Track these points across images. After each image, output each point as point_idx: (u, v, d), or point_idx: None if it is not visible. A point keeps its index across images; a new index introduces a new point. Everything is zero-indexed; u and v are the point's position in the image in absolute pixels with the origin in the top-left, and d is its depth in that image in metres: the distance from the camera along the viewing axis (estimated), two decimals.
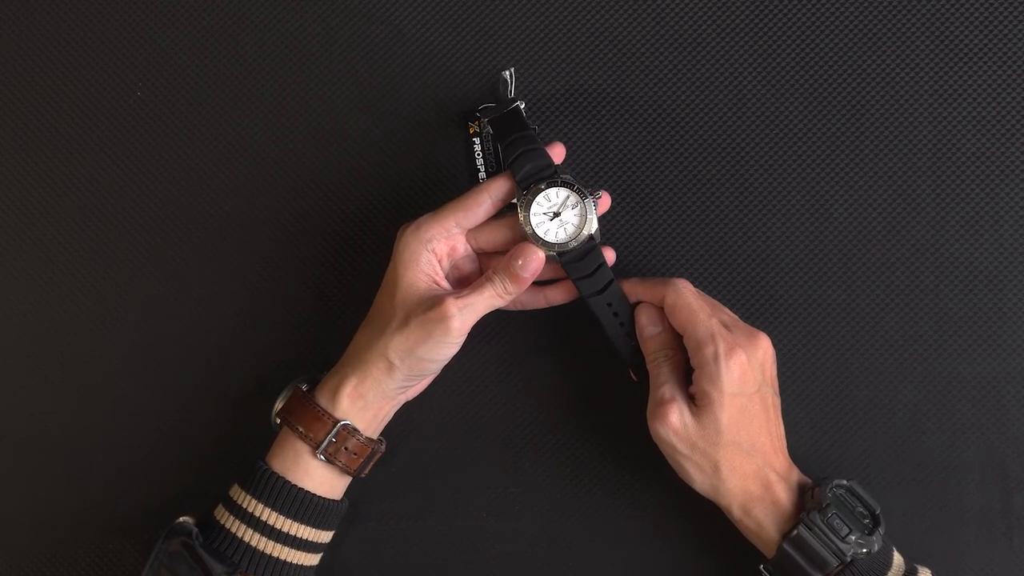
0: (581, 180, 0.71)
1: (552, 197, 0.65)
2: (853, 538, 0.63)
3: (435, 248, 0.65)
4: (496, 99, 0.73)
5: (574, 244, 0.65)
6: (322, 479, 0.66)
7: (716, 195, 0.73)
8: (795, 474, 0.66)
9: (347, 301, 0.73)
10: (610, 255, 0.68)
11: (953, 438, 0.72)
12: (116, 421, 0.74)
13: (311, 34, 0.74)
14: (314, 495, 0.65)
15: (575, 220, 0.65)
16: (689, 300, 0.65)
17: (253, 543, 0.64)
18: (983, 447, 0.72)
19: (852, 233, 0.72)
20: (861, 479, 0.67)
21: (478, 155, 0.72)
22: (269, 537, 0.64)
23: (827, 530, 0.62)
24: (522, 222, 0.65)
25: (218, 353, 0.74)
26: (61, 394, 0.74)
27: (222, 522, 0.65)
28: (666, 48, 0.73)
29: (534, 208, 0.65)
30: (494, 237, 0.67)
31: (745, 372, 0.64)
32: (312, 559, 0.67)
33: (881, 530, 0.64)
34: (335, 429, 0.65)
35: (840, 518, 0.63)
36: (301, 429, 0.65)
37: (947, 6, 0.72)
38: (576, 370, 0.73)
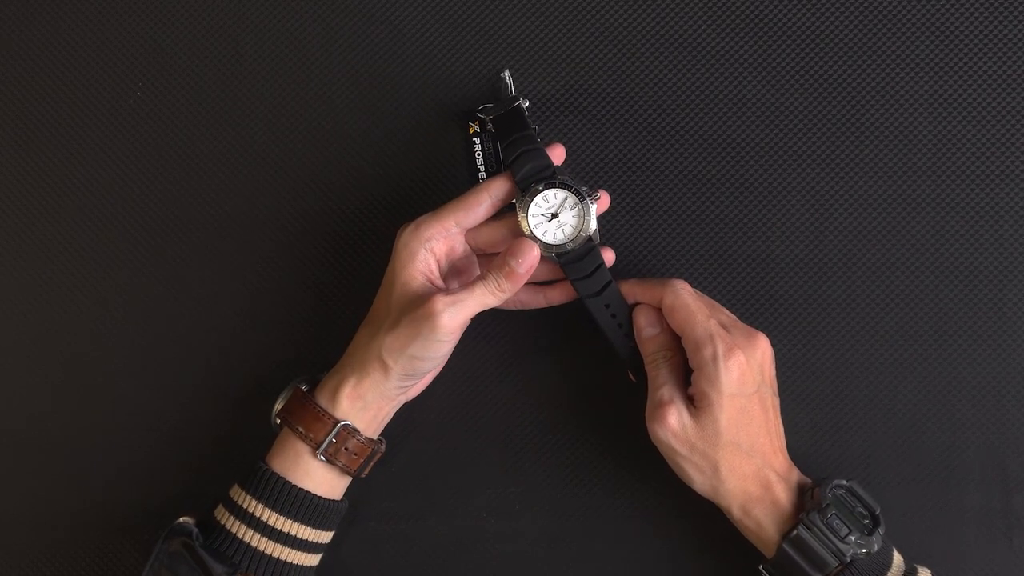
0: (581, 180, 0.71)
1: (550, 198, 0.65)
2: (853, 538, 0.63)
3: (434, 247, 0.65)
4: (498, 98, 0.73)
5: (572, 245, 0.65)
6: (322, 479, 0.66)
7: (716, 195, 0.73)
8: (795, 474, 0.66)
9: (347, 301, 0.73)
10: (609, 255, 0.68)
11: (953, 438, 0.72)
12: (116, 421, 0.74)
13: (311, 34, 0.74)
14: (314, 495, 0.65)
15: (573, 221, 0.65)
16: (687, 301, 0.65)
17: (253, 543, 0.64)
18: (983, 447, 0.72)
19: (852, 233, 0.72)
20: (861, 479, 0.67)
21: (478, 155, 0.72)
22: (269, 537, 0.64)
23: (826, 530, 0.62)
24: (520, 222, 0.65)
25: (218, 353, 0.74)
26: (61, 394, 0.74)
27: (222, 522, 0.65)
28: (666, 48, 0.73)
29: (532, 209, 0.65)
30: (493, 237, 0.67)
31: (744, 373, 0.64)
32: (312, 559, 0.67)
33: (881, 530, 0.64)
34: (335, 429, 0.65)
35: (840, 518, 0.63)
36: (301, 429, 0.65)
37: (947, 6, 0.72)
38: (576, 370, 0.73)
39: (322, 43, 0.74)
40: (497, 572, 0.73)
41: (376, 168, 0.74)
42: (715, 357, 0.63)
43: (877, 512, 0.65)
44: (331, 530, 0.68)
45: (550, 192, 0.65)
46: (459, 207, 0.65)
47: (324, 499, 0.66)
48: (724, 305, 0.69)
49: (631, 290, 0.68)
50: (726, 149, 0.73)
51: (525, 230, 0.65)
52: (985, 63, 0.72)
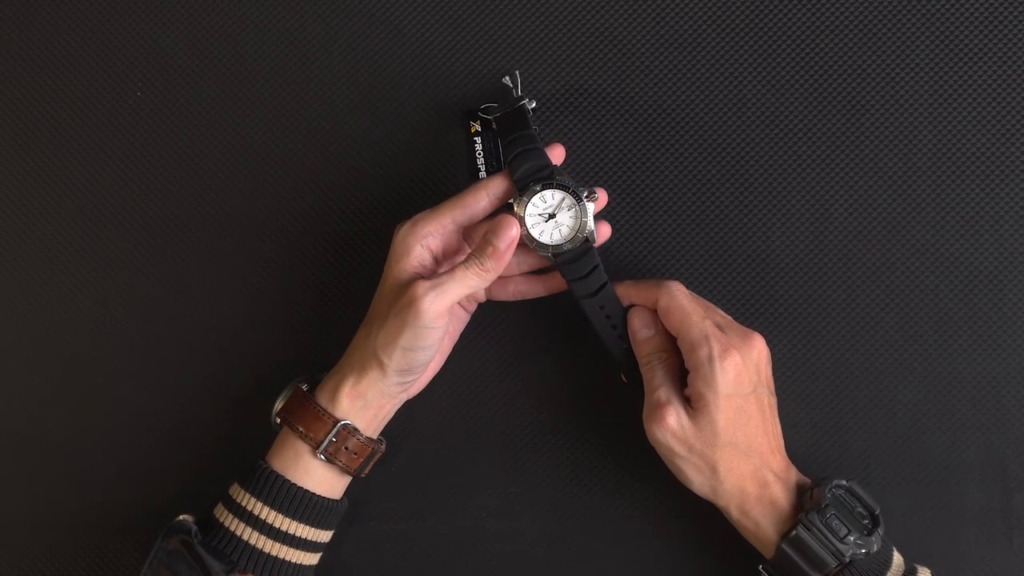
0: (580, 180, 0.71)
1: (548, 199, 0.65)
2: (852, 539, 0.63)
3: (430, 244, 0.65)
4: (501, 98, 0.73)
5: (569, 246, 0.65)
6: (322, 478, 0.66)
7: (716, 195, 0.73)
8: (793, 474, 0.66)
9: (347, 301, 0.73)
10: (605, 230, 0.67)
11: (953, 438, 0.72)
12: (116, 421, 0.74)
13: (311, 34, 0.74)
14: (314, 494, 0.66)
15: (570, 222, 0.65)
16: (682, 302, 0.65)
17: (252, 542, 0.64)
18: (983, 447, 0.71)
19: (852, 233, 0.72)
20: (861, 479, 0.67)
21: (479, 154, 0.72)
22: (268, 536, 0.64)
23: (826, 531, 0.62)
24: (518, 223, 0.65)
25: (218, 353, 0.74)
26: (61, 394, 0.74)
27: (221, 521, 0.65)
28: (666, 48, 0.73)
29: (529, 209, 0.65)
30: None
31: (740, 373, 0.63)
32: (311, 558, 0.67)
33: (880, 531, 0.64)
34: (335, 429, 0.65)
35: (839, 519, 0.63)
36: (301, 429, 0.65)
37: (947, 6, 0.72)
38: (576, 370, 0.73)
39: (322, 43, 0.74)
40: (497, 572, 0.73)
41: (376, 168, 0.74)
42: (711, 358, 0.63)
43: (877, 512, 0.65)
44: (330, 529, 0.68)
45: (547, 193, 0.65)
46: (456, 205, 0.65)
47: (324, 498, 0.66)
48: (723, 306, 0.69)
49: (626, 292, 0.67)
50: (726, 149, 0.73)
51: (522, 230, 0.65)
52: (985, 63, 0.72)
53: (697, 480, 0.65)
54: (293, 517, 0.65)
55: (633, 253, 0.73)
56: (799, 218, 0.73)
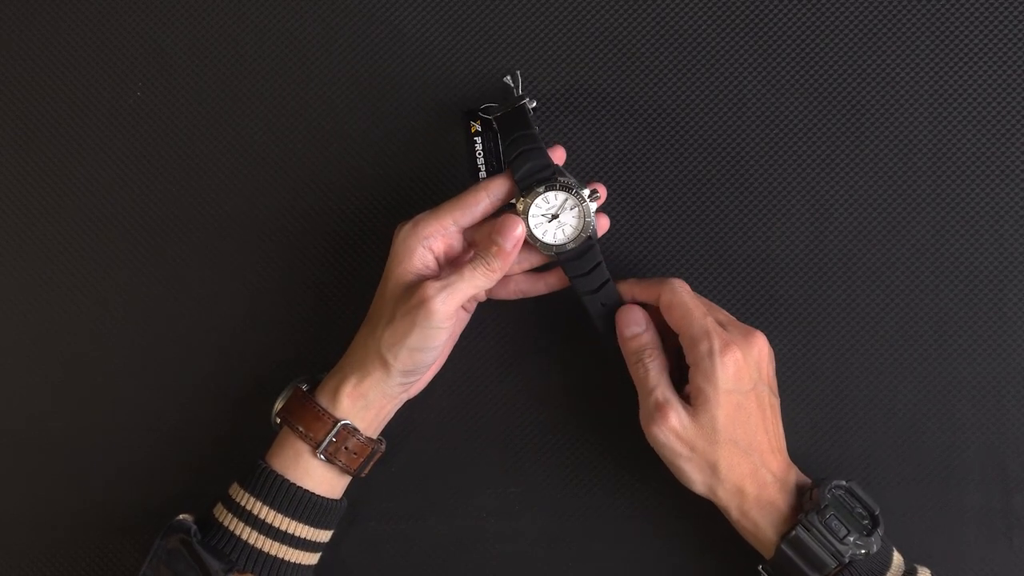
0: (580, 178, 0.71)
1: (551, 200, 0.65)
2: (851, 539, 0.63)
3: (432, 245, 0.65)
4: (501, 98, 0.73)
5: (572, 245, 0.65)
6: (322, 478, 0.66)
7: (716, 195, 0.73)
8: (793, 474, 0.66)
9: (347, 301, 0.73)
10: (604, 222, 0.67)
11: (953, 438, 0.72)
12: (116, 421, 0.74)
13: (311, 34, 0.74)
14: (313, 494, 0.65)
15: (574, 222, 0.65)
16: (684, 299, 0.65)
17: (252, 541, 0.64)
18: (983, 447, 0.71)
19: (852, 233, 0.72)
20: (861, 479, 0.67)
21: (479, 154, 0.72)
22: (268, 535, 0.64)
23: (825, 531, 0.62)
24: (522, 222, 0.65)
25: (218, 353, 0.74)
26: (61, 394, 0.74)
27: (221, 520, 0.65)
28: (666, 48, 0.73)
29: (532, 210, 0.65)
30: None
31: (740, 369, 0.63)
32: (311, 558, 0.67)
33: (880, 531, 0.64)
34: (335, 429, 0.65)
35: (838, 519, 0.63)
36: (301, 429, 0.65)
37: (947, 6, 0.72)
38: (576, 370, 0.73)
39: (322, 43, 0.74)
40: (497, 572, 0.73)
41: (376, 168, 0.74)
42: (711, 352, 0.63)
43: (876, 513, 0.65)
44: (330, 529, 0.68)
45: (550, 194, 0.65)
46: (457, 206, 0.65)
47: (323, 498, 0.66)
48: (724, 305, 0.69)
49: (629, 289, 0.68)
50: (726, 149, 0.73)
51: (526, 230, 0.65)
52: (985, 63, 0.72)
53: (698, 480, 0.65)
54: (293, 517, 0.65)
55: (633, 253, 0.73)
56: (799, 218, 0.73)
